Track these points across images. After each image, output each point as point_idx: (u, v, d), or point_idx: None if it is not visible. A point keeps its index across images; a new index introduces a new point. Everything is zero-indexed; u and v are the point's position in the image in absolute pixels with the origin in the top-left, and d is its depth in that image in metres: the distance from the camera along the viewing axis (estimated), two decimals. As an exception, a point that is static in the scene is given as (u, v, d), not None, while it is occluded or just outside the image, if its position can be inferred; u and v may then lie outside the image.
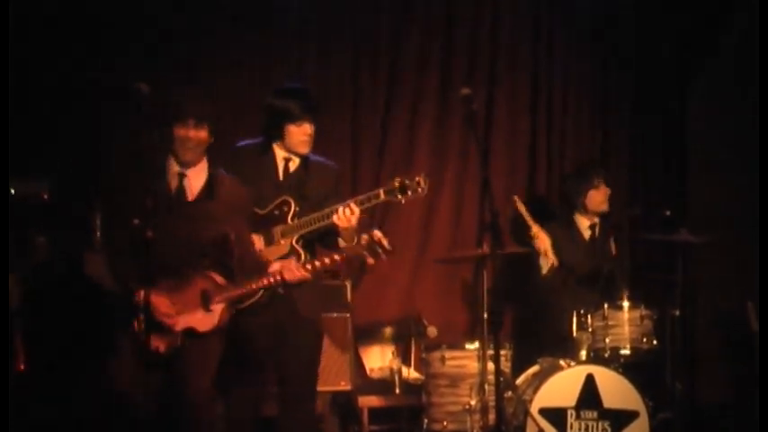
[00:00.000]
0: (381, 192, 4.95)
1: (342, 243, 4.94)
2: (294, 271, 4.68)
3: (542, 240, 5.98)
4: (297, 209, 4.94)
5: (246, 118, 6.10)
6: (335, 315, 6.06)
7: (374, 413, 6.21)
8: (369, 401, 6.19)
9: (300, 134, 5.02)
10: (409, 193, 4.92)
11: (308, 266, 4.73)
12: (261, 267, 4.72)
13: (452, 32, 6.91)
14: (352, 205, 4.84)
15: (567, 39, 7.12)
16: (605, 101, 7.18)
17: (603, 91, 7.19)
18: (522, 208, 5.95)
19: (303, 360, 5.09)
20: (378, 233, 4.70)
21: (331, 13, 6.80)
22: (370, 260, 4.77)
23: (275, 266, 4.78)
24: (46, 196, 5.42)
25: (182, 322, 4.55)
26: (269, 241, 4.96)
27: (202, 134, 4.60)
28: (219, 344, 4.67)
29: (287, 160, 5.09)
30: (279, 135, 5.05)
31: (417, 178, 4.91)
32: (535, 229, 5.97)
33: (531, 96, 7.02)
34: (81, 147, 5.97)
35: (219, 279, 4.60)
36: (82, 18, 6.05)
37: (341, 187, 5.35)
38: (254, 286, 4.68)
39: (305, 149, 5.04)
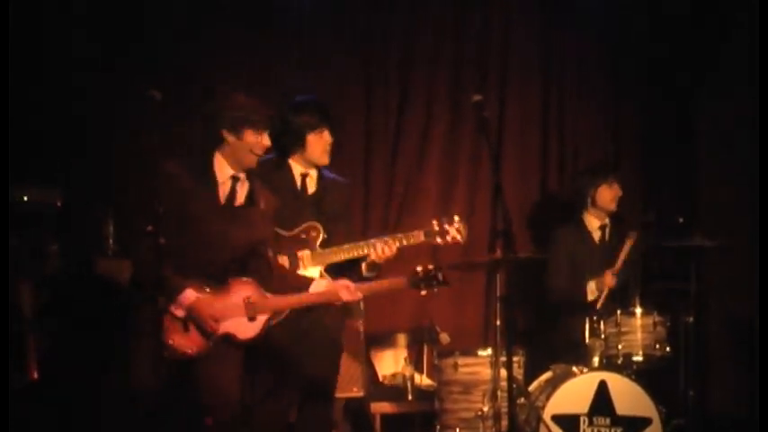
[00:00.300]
0: (421, 234, 5.04)
1: (365, 272, 4.99)
2: (353, 293, 4.67)
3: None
4: (324, 236, 4.95)
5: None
6: (348, 321, 5.94)
7: (386, 420, 6.20)
8: (381, 408, 6.18)
9: (321, 143, 5.03)
10: (448, 237, 5.05)
11: (364, 289, 4.75)
12: (302, 283, 4.72)
13: (462, 36, 6.89)
14: (391, 243, 4.92)
15: (578, 43, 7.12)
16: (616, 105, 7.16)
17: (614, 95, 7.17)
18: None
19: (324, 367, 5.07)
20: (432, 267, 4.73)
21: (340, 13, 6.78)
22: (424, 292, 4.78)
23: (322, 285, 4.75)
24: (59, 203, 5.41)
25: (223, 327, 4.53)
26: (293, 264, 4.91)
27: (267, 142, 4.61)
28: (243, 353, 4.67)
29: (304, 176, 5.09)
30: (298, 146, 5.03)
31: (457, 224, 5.03)
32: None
33: (542, 100, 7.01)
34: (91, 152, 5.95)
35: (261, 288, 4.61)
36: (82, 19, 6.03)
37: (350, 204, 5.39)
38: (306, 301, 4.67)
39: (325, 160, 5.05)
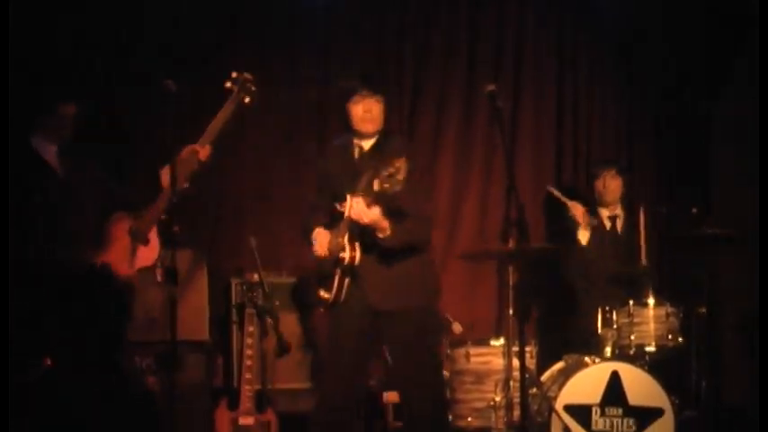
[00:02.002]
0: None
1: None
2: (202, 150, 4.79)
3: (576, 207, 6.12)
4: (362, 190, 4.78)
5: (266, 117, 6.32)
6: None
7: (399, 409, 5.97)
8: (393, 397, 6.11)
9: (359, 111, 4.89)
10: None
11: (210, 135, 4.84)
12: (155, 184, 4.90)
13: (476, 33, 6.97)
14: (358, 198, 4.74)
15: (591, 38, 7.22)
16: (630, 98, 7.25)
17: (628, 89, 7.26)
18: (556, 192, 6.16)
19: (411, 349, 4.97)
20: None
21: (355, 12, 6.81)
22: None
23: (165, 169, 4.82)
24: None
25: (134, 267, 4.85)
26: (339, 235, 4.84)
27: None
28: None
29: (360, 147, 4.99)
30: (347, 120, 4.95)
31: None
32: (569, 202, 6.14)
33: (556, 94, 7.09)
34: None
35: (129, 213, 4.89)
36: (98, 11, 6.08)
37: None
38: (169, 192, 4.71)
39: (366, 127, 4.90)
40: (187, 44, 6.39)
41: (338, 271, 4.84)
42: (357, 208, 4.66)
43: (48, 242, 4.78)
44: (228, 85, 4.95)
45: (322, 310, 4.98)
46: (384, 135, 5.02)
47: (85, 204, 4.90)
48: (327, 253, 4.87)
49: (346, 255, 4.75)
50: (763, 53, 6.32)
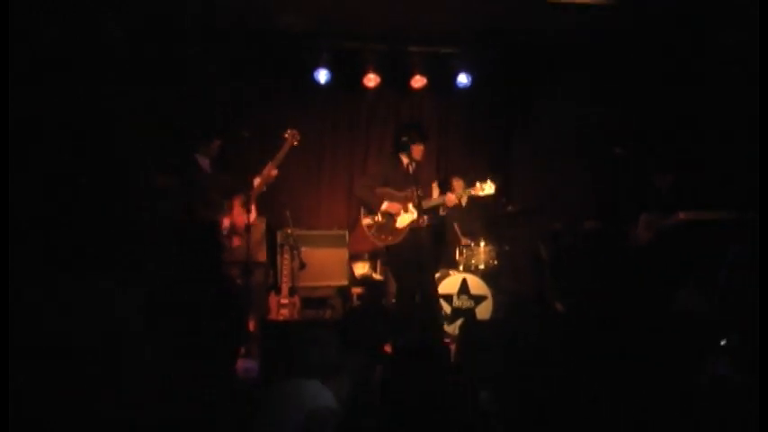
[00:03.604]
0: (462, 184, 6.96)
1: (441, 212, 6.66)
2: (272, 171, 6.38)
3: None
4: (420, 194, 6.53)
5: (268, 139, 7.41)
6: (340, 249, 8.07)
7: (359, 296, 7.97)
8: (356, 291, 7.99)
9: (418, 150, 6.72)
10: (481, 192, 6.61)
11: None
12: (243, 180, 6.48)
13: (400, 111, 8.91)
14: (452, 197, 6.62)
15: (455, 116, 9.05)
16: (477, 149, 9.08)
17: (473, 130, 9.07)
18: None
19: (432, 264, 6.94)
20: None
21: (335, 103, 8.55)
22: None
23: (256, 179, 6.50)
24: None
25: (241, 224, 6.42)
26: (405, 210, 6.56)
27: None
28: None
29: (408, 164, 6.69)
30: (407, 149, 6.62)
31: (486, 184, 6.59)
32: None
33: (437, 148, 8.99)
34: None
35: (241, 195, 6.45)
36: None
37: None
38: (257, 188, 6.51)
39: (419, 158, 6.75)
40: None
41: (407, 225, 6.41)
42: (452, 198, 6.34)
43: (202, 210, 6.23)
44: (286, 135, 6.70)
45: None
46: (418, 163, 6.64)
47: (222, 190, 6.52)
48: (400, 212, 6.39)
49: (418, 219, 6.43)
50: (763, 56, 6.37)
